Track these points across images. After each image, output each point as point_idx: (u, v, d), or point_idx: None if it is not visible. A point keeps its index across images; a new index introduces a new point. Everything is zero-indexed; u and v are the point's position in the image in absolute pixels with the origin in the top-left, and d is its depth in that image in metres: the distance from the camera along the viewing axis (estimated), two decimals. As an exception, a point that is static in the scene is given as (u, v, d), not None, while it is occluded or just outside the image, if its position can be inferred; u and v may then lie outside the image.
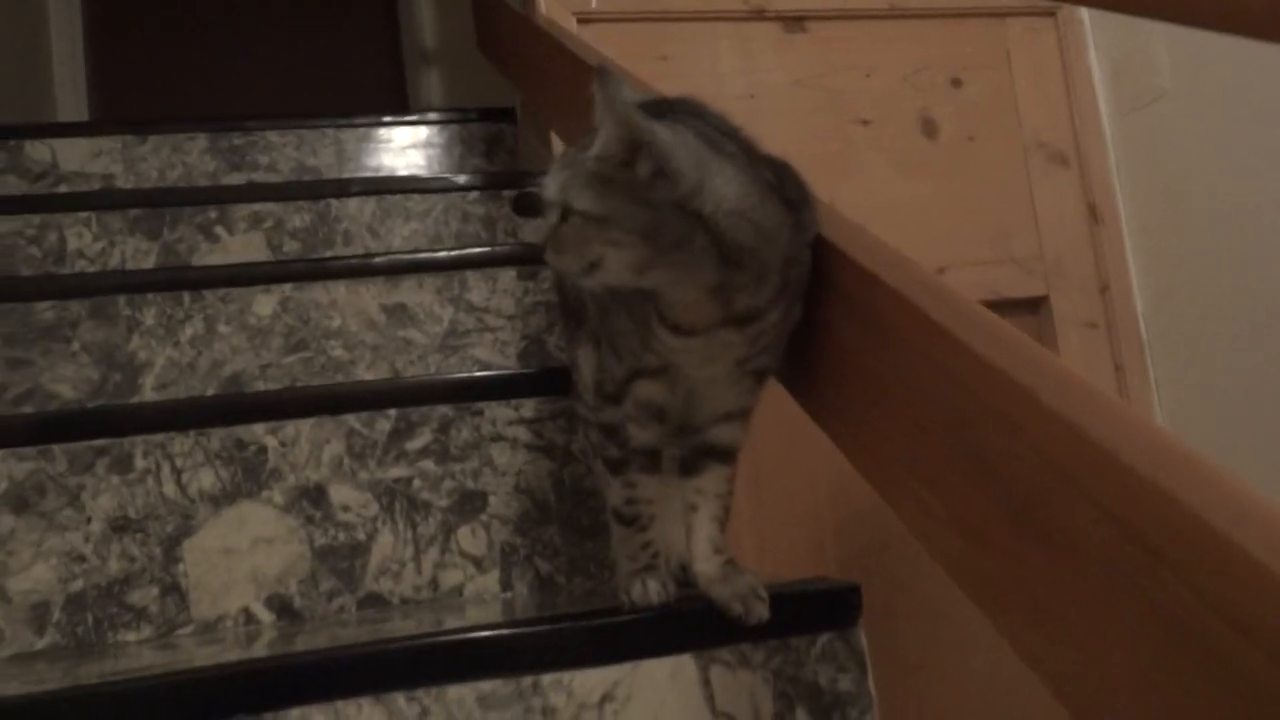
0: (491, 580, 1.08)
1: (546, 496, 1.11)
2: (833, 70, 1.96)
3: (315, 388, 1.16)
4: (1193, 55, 1.89)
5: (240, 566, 1.04)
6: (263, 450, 1.06)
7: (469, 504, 1.09)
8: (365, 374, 1.38)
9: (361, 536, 1.06)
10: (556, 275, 0.99)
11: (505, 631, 0.75)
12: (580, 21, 1.94)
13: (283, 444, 1.06)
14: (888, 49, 2.01)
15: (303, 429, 1.07)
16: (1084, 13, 2.11)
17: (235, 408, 1.06)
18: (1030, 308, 2.00)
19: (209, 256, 1.70)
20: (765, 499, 1.82)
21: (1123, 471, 0.47)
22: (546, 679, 0.75)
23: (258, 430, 1.06)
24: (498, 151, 2.18)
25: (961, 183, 1.99)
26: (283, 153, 2.10)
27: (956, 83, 2.06)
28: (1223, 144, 1.85)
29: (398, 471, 1.08)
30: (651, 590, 0.77)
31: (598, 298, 0.83)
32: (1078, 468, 0.50)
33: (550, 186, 0.72)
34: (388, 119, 2.15)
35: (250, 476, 1.05)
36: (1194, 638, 0.42)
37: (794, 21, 1.98)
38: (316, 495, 1.06)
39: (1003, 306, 1.98)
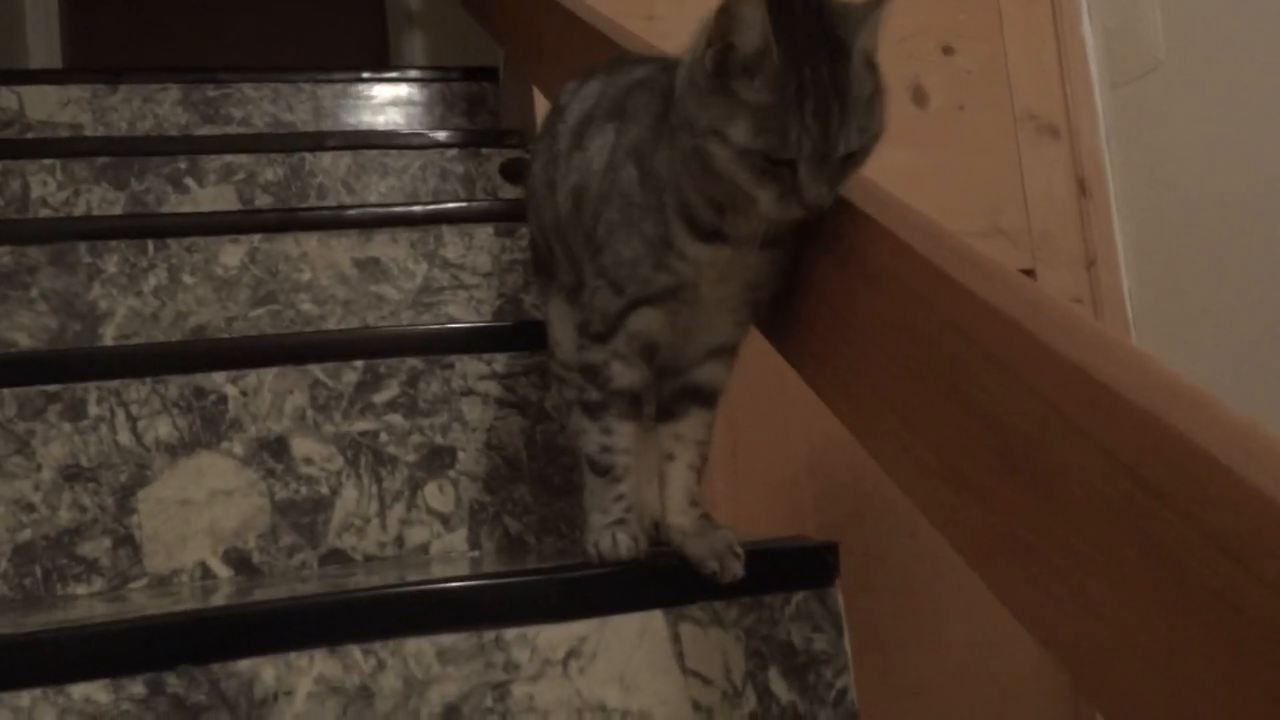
0: (459, 538, 1.04)
1: (518, 453, 1.07)
2: (823, 34, 1.91)
3: (278, 336, 1.12)
4: (1188, 27, 1.86)
5: (197, 519, 1.00)
6: (223, 399, 1.02)
7: (437, 460, 1.05)
8: (336, 328, 1.34)
9: (324, 491, 1.02)
10: (537, 225, 0.96)
11: (466, 583, 0.72)
12: (565, -23, 1.89)
13: (244, 393, 1.02)
14: (879, 14, 1.97)
15: (265, 378, 1.03)
16: (1079, -18, 2.07)
17: (194, 355, 1.02)
18: (1017, 281, 1.97)
19: (178, 208, 1.65)
20: (742, 470, 1.79)
21: (1130, 411, 0.44)
22: (510, 633, 0.72)
23: (218, 379, 1.02)
24: (479, 111, 2.13)
25: (951, 153, 1.96)
26: (258, 107, 2.05)
27: (948, 50, 2.02)
28: (1216, 119, 1.82)
29: (364, 425, 1.04)
30: (621, 544, 0.74)
31: (589, 233, 0.80)
32: (1079, 409, 0.47)
33: (852, 138, 0.66)
34: (366, 75, 2.10)
35: (209, 426, 1.01)
36: (1194, 576, 0.40)
37: (784, -17, 1.93)
38: (278, 447, 1.02)
39: (989, 279, 1.95)
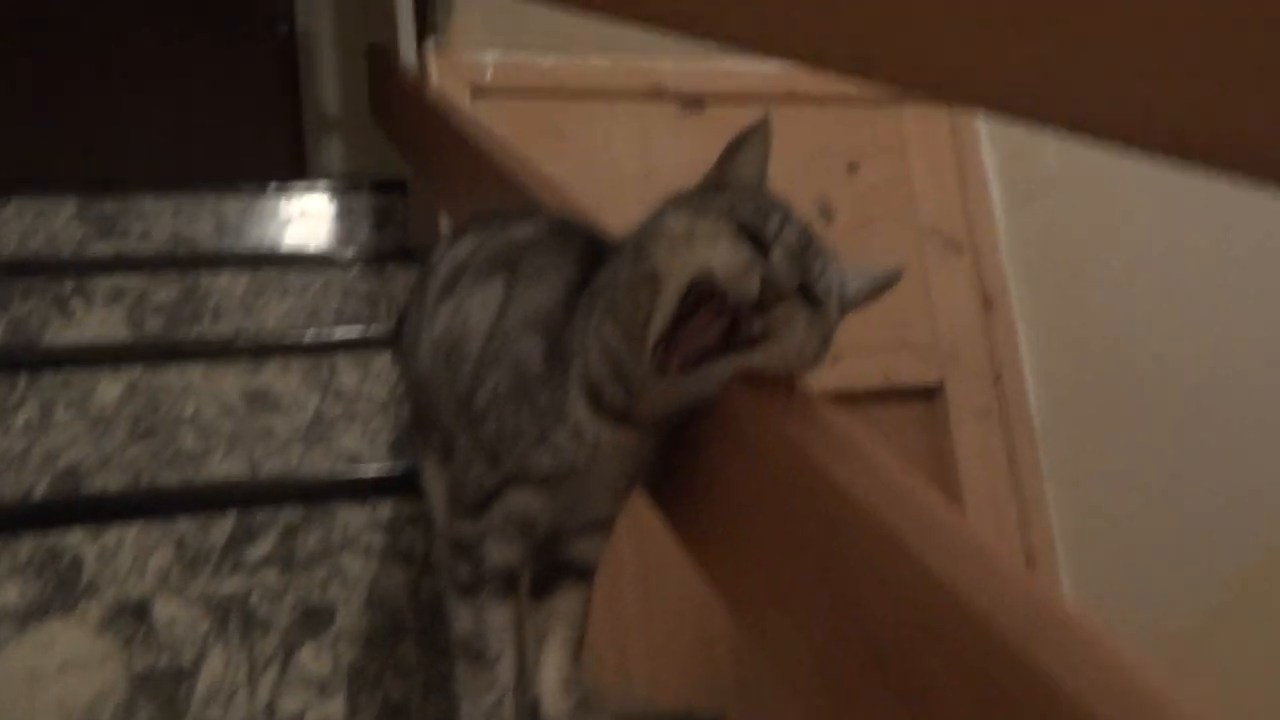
0: (336, 707, 0.98)
1: (401, 610, 1.01)
2: (730, 153, 1.94)
3: (142, 489, 1.05)
4: (1080, 147, 1.92)
5: (45, 694, 0.92)
6: (78, 561, 0.95)
7: (313, 620, 0.99)
8: (220, 465, 1.27)
9: (188, 658, 0.95)
10: (410, 381, 0.92)
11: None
12: (474, 96, 1.90)
13: (102, 553, 0.95)
14: (785, 132, 1.99)
15: (126, 536, 0.96)
16: (976, 104, 2.14)
17: (48, 512, 0.95)
18: (926, 395, 1.99)
19: (63, 332, 1.57)
20: (654, 595, 1.74)
21: (993, 640, 0.41)
22: (367, 845, 0.65)
23: (75, 538, 0.95)
24: (388, 224, 2.10)
25: (858, 268, 1.98)
26: (159, 221, 1.99)
27: (853, 168, 2.07)
28: (1111, 234, 1.88)
29: (234, 584, 0.98)
30: (492, 738, 0.69)
31: (464, 396, 0.76)
32: (946, 629, 0.44)
33: (835, 281, 0.66)
34: (274, 186, 2.06)
35: (63, 590, 0.94)
36: None
37: (691, 102, 1.97)
38: (138, 612, 0.95)
39: (898, 394, 1.97)
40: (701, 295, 0.61)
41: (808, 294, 0.63)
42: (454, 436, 0.77)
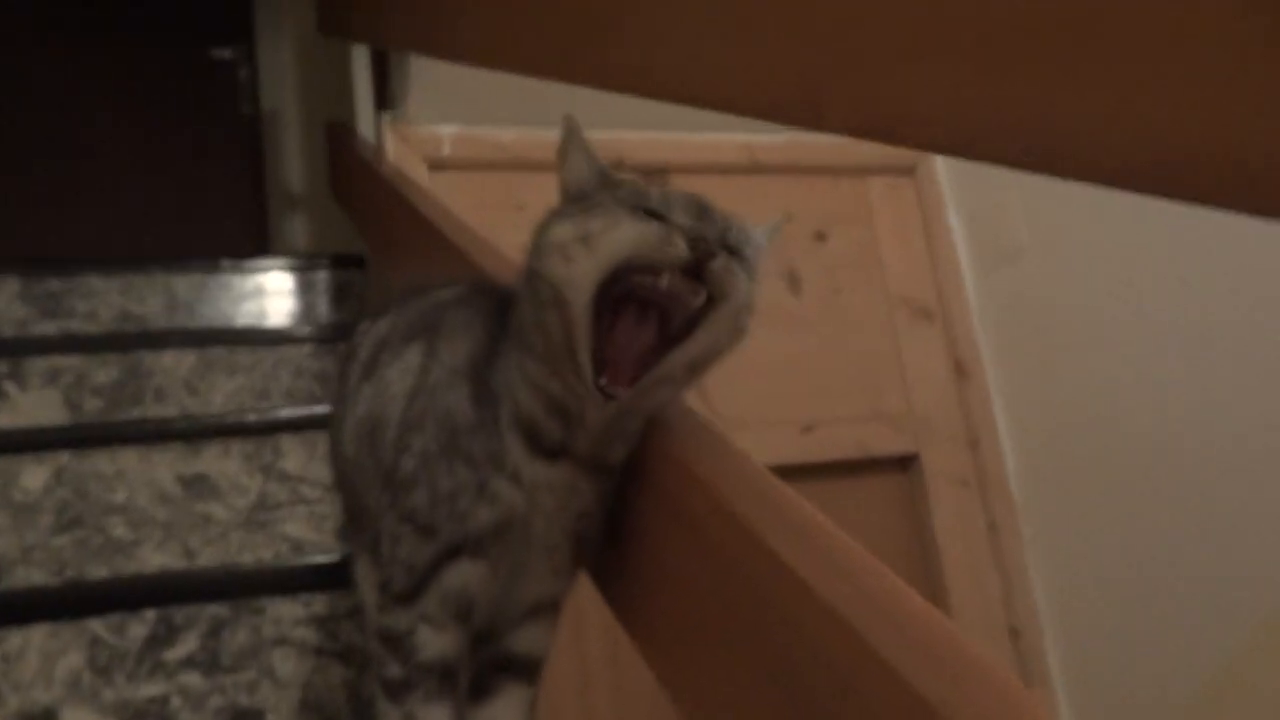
0: (263, 822, 0.89)
1: (338, 711, 0.93)
2: (694, 222, 1.91)
3: (47, 589, 0.97)
4: (1048, 210, 1.91)
5: (-65, 819, 0.83)
6: (-22, 667, 0.87)
7: (240, 726, 0.91)
8: (152, 555, 1.19)
9: (99, 773, 0.86)
10: (337, 473, 0.86)
11: None
12: (433, 168, 1.86)
13: (4, 659, 0.87)
14: (750, 202, 1.98)
15: (32, 639, 0.88)
16: (940, 170, 2.13)
17: (-56, 615, 0.87)
18: (901, 465, 1.93)
19: (-5, 416, 1.50)
20: (624, 676, 1.66)
21: (914, 700, 0.35)
22: None
23: (-26, 641, 0.87)
24: (347, 299, 2.05)
25: (828, 337, 1.95)
26: (105, 299, 1.93)
27: (820, 236, 2.04)
28: (1084, 298, 1.85)
29: (152, 689, 0.90)
30: None
31: (389, 470, 0.70)
32: (861, 683, 0.38)
33: (743, 233, 0.62)
34: (226, 264, 2.01)
35: (-41, 701, 0.86)
36: None
37: (655, 174, 1.94)
38: (44, 722, 0.87)
39: (874, 464, 1.91)
40: (622, 293, 0.58)
41: (729, 248, 0.60)
42: (380, 521, 0.71)
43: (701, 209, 0.61)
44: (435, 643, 0.66)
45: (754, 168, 2.02)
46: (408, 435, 0.69)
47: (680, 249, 0.57)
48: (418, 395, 0.70)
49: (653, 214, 0.59)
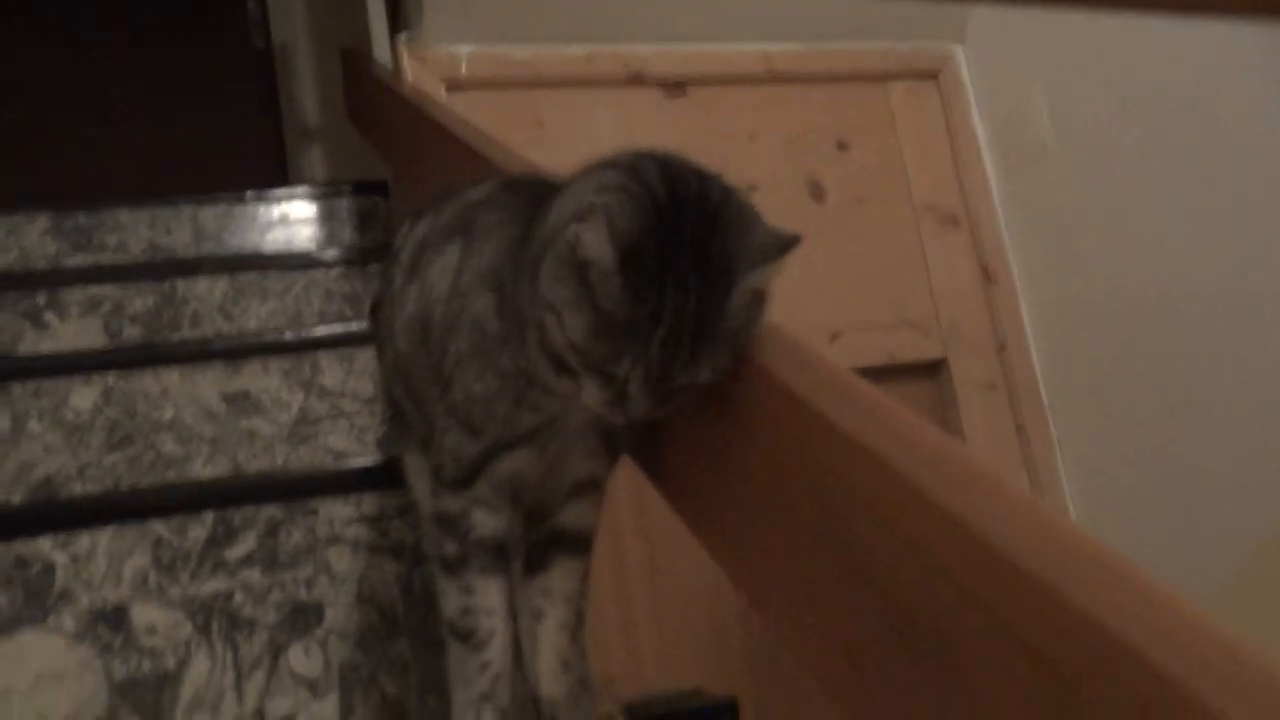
0: (329, 707, 0.93)
1: (393, 605, 0.97)
2: (714, 136, 1.90)
3: (113, 492, 1.00)
4: (1073, 113, 1.88)
5: (21, 710, 0.87)
6: (49, 569, 0.90)
7: (301, 618, 0.94)
8: (202, 470, 1.22)
9: (171, 664, 0.90)
10: (387, 372, 0.87)
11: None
12: (450, 89, 1.85)
13: (74, 560, 0.91)
14: (770, 113, 1.96)
15: (99, 541, 0.91)
16: (965, 74, 2.10)
17: (14, 520, 0.90)
18: (929, 371, 1.94)
19: (37, 346, 1.53)
20: (662, 586, 1.69)
21: (1023, 578, 0.37)
22: (357, 845, 0.61)
23: (44, 545, 0.90)
24: (371, 226, 2.06)
25: (853, 246, 1.94)
26: (134, 232, 1.95)
27: (842, 146, 2.02)
28: (1108, 200, 1.83)
29: (215, 585, 0.93)
30: (487, 724, 0.64)
31: (436, 367, 0.72)
32: (966, 572, 0.40)
33: (701, 372, 0.57)
34: (250, 194, 2.02)
35: (34, 600, 0.89)
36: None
37: (673, 87, 1.92)
38: (116, 618, 0.90)
39: (901, 371, 1.92)
40: None
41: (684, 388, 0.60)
42: (433, 413, 0.73)
43: (687, 342, 0.55)
44: (489, 523, 0.69)
45: (773, 77, 1.99)
46: (446, 337, 0.70)
47: (617, 420, 0.58)
48: (453, 297, 0.71)
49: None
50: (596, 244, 0.54)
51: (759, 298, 0.58)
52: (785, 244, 0.57)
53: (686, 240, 0.55)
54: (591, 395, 0.57)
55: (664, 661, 1.63)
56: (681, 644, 1.68)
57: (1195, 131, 1.65)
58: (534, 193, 0.73)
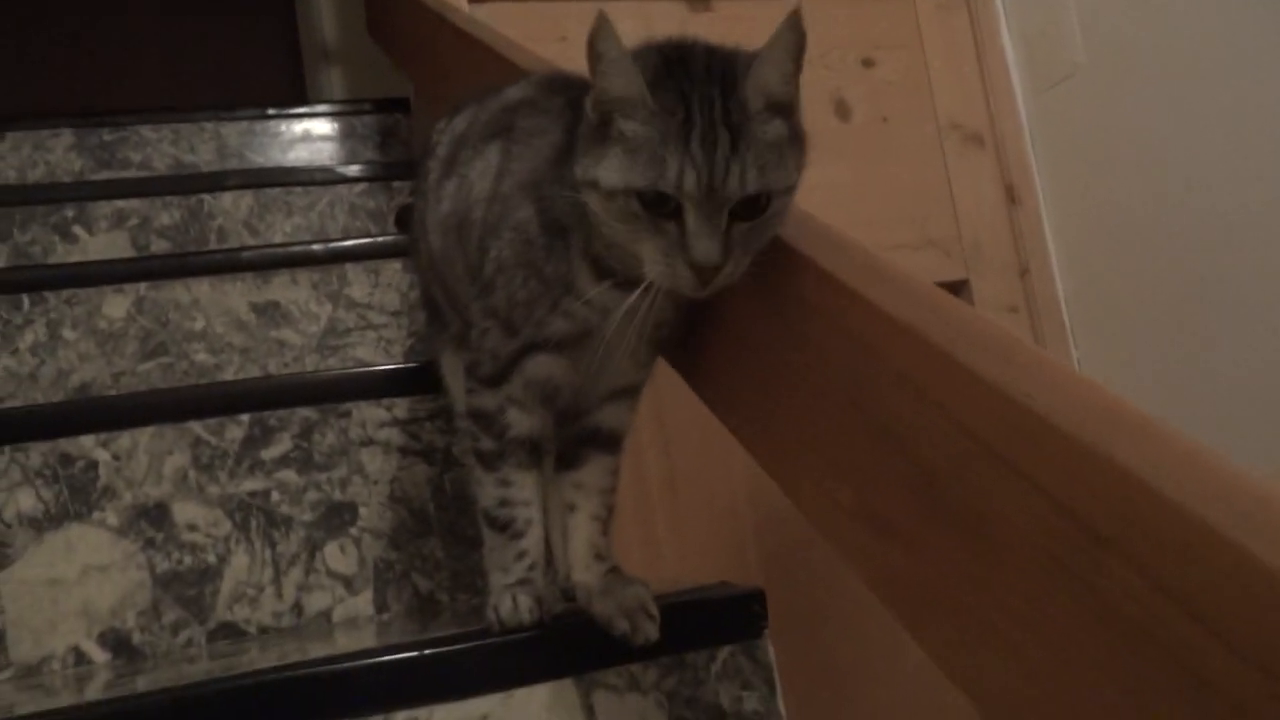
0: (364, 601, 0.96)
1: (425, 505, 0.99)
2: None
3: (152, 392, 1.03)
4: (1105, 30, 1.85)
5: (68, 599, 0.90)
6: (93, 465, 0.93)
7: (336, 517, 0.97)
8: (235, 378, 1.25)
9: (212, 559, 0.93)
10: (421, 269, 0.88)
11: (343, 665, 0.64)
12: (472, 2, 1.83)
13: (116, 457, 0.93)
14: (797, 29, 1.93)
15: (140, 440, 0.94)
16: (995, -10, 2.06)
17: (57, 418, 0.93)
18: (951, 292, 1.93)
19: (66, 259, 1.54)
20: (682, 500, 1.72)
21: (1059, 439, 0.38)
22: (400, 716, 0.63)
23: (86, 443, 0.93)
24: (392, 143, 2.06)
25: (877, 165, 1.92)
26: (158, 149, 1.95)
27: (868, 63, 1.99)
28: (1139, 121, 1.81)
29: (253, 484, 0.95)
30: (523, 607, 0.67)
31: (474, 267, 0.72)
32: (1001, 436, 0.41)
33: (750, 175, 0.57)
34: (273, 111, 2.01)
35: (79, 496, 0.92)
36: (1154, 642, 0.33)
37: (698, 1, 1.89)
38: (157, 514, 0.93)
39: (923, 292, 1.91)
40: None
41: (746, 202, 0.61)
42: (470, 311, 0.74)
43: (724, 133, 0.57)
44: (524, 422, 0.70)
45: (800, -9, 1.96)
46: (486, 239, 0.71)
47: (686, 282, 0.58)
48: (494, 201, 0.72)
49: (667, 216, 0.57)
50: (622, 83, 0.59)
51: (778, 109, 0.60)
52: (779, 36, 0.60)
53: (698, 69, 0.60)
54: (656, 262, 0.58)
55: (682, 578, 1.66)
56: (700, 560, 1.71)
57: (1230, 52, 1.62)
58: (572, 95, 0.73)
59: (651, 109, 0.58)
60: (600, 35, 0.60)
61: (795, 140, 0.60)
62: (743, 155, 0.57)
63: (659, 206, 0.57)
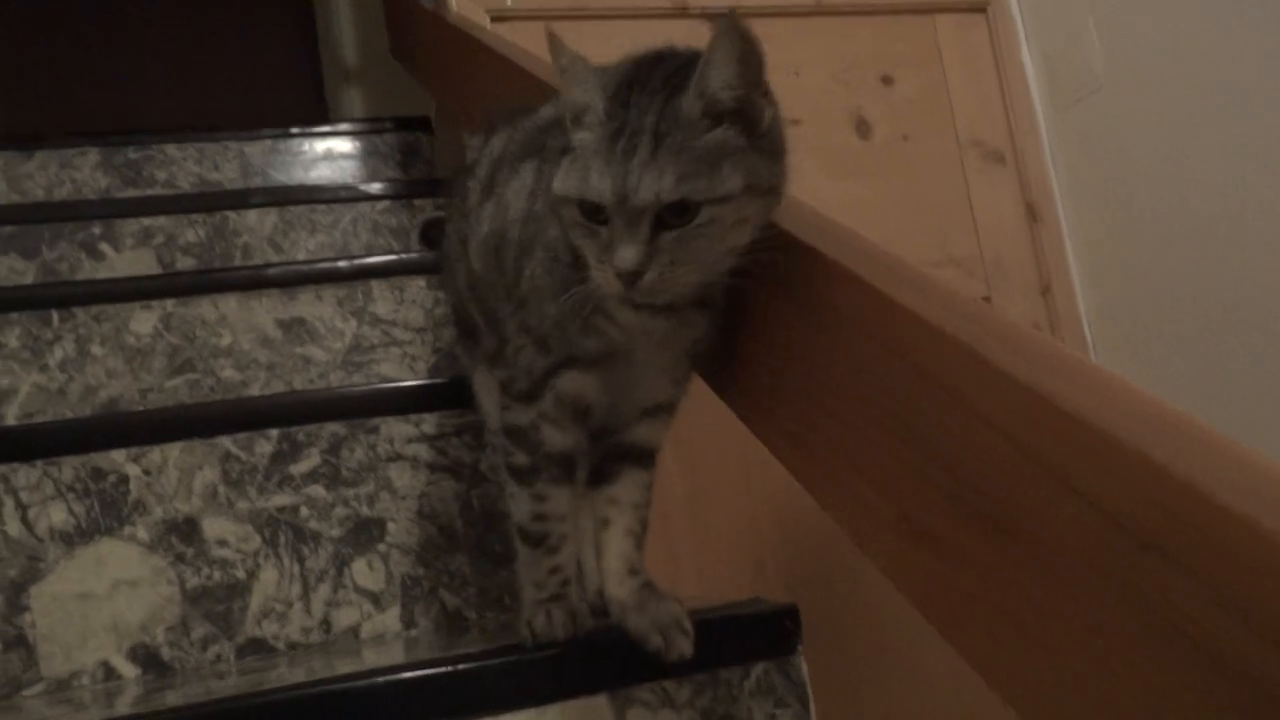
0: (391, 618, 0.96)
1: (452, 521, 0.99)
2: (760, 68, 1.87)
3: (182, 407, 1.03)
4: (1126, 47, 1.85)
5: (98, 614, 0.90)
6: (124, 480, 0.93)
7: (364, 533, 0.97)
8: (261, 394, 1.25)
9: (241, 574, 0.93)
10: (454, 289, 0.89)
11: (374, 680, 0.64)
12: (494, 20, 1.84)
13: (147, 472, 0.93)
14: (816, 47, 1.94)
15: (170, 455, 0.94)
16: (1015, 7, 2.06)
17: (88, 433, 0.93)
18: (972, 309, 1.93)
19: (93, 275, 1.56)
20: (703, 517, 1.72)
21: (1103, 443, 0.37)
22: (433, 733, 0.63)
23: (117, 458, 0.93)
24: (414, 161, 2.07)
25: (897, 183, 1.93)
26: (182, 167, 1.97)
27: (888, 80, 2.00)
28: (1160, 138, 1.80)
29: (281, 499, 0.96)
30: (557, 622, 0.67)
31: (510, 286, 0.73)
32: (1043, 442, 0.40)
33: (665, 183, 0.57)
34: (295, 130, 2.03)
35: (109, 511, 0.92)
36: (1202, 648, 0.33)
37: (718, 19, 1.90)
38: (187, 529, 0.93)
39: (944, 309, 1.91)
40: None
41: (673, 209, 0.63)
42: (505, 330, 0.74)
43: (644, 142, 0.58)
44: (558, 438, 0.71)
45: (819, 9, 1.97)
46: (521, 258, 0.72)
47: (612, 287, 0.59)
48: (528, 220, 0.73)
49: (601, 222, 0.59)
50: (578, 92, 0.61)
51: (719, 118, 0.60)
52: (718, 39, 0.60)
53: (658, 78, 0.61)
54: (594, 268, 0.60)
55: (705, 595, 1.65)
56: (721, 578, 1.70)
57: (1253, 70, 1.62)
58: None
59: (600, 118, 0.60)
60: (555, 51, 0.63)
61: (750, 150, 0.60)
62: (660, 163, 0.57)
63: (594, 214, 0.59)
